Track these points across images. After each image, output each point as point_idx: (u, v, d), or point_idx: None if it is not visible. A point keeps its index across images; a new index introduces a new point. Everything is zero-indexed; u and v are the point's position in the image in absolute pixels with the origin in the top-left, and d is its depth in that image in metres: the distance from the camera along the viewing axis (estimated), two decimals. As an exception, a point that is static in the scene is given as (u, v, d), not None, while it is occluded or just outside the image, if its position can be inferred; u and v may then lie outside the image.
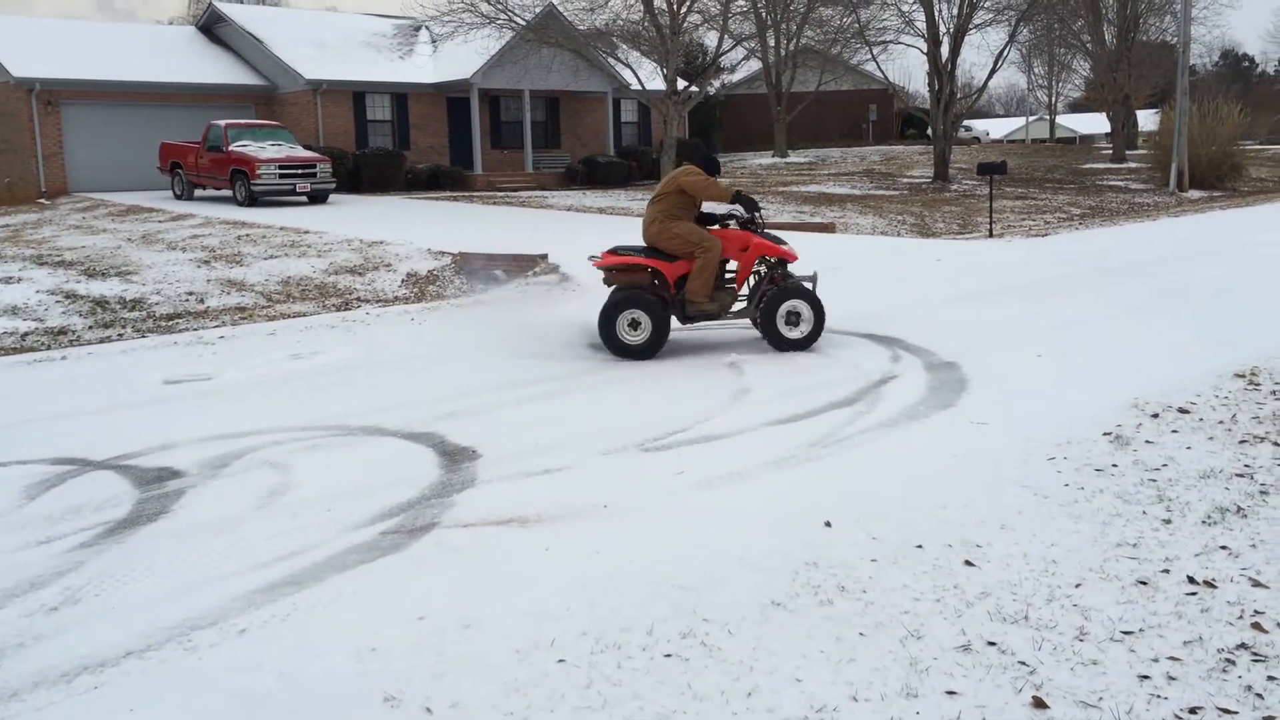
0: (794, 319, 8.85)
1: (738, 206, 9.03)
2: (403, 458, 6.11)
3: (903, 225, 22.21)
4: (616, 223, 20.84)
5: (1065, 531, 4.65)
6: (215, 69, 30.25)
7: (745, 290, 9.23)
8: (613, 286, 8.99)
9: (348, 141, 29.12)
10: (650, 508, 5.12)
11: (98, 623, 3.98)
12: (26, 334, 12.22)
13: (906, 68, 44.56)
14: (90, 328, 12.64)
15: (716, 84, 51.01)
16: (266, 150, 23.51)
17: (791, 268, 9.31)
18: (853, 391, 7.32)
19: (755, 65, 46.81)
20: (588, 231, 19.16)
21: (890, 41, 34.50)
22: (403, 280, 15.33)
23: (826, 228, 19.85)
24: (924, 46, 31.62)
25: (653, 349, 8.75)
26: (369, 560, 4.54)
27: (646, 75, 27.53)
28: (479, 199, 26.08)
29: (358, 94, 29.66)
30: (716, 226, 9.12)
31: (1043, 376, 7.52)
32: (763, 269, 9.13)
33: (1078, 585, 4.12)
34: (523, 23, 26.06)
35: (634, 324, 8.75)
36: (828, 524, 4.80)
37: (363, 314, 12.83)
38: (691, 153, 9.67)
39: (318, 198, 23.79)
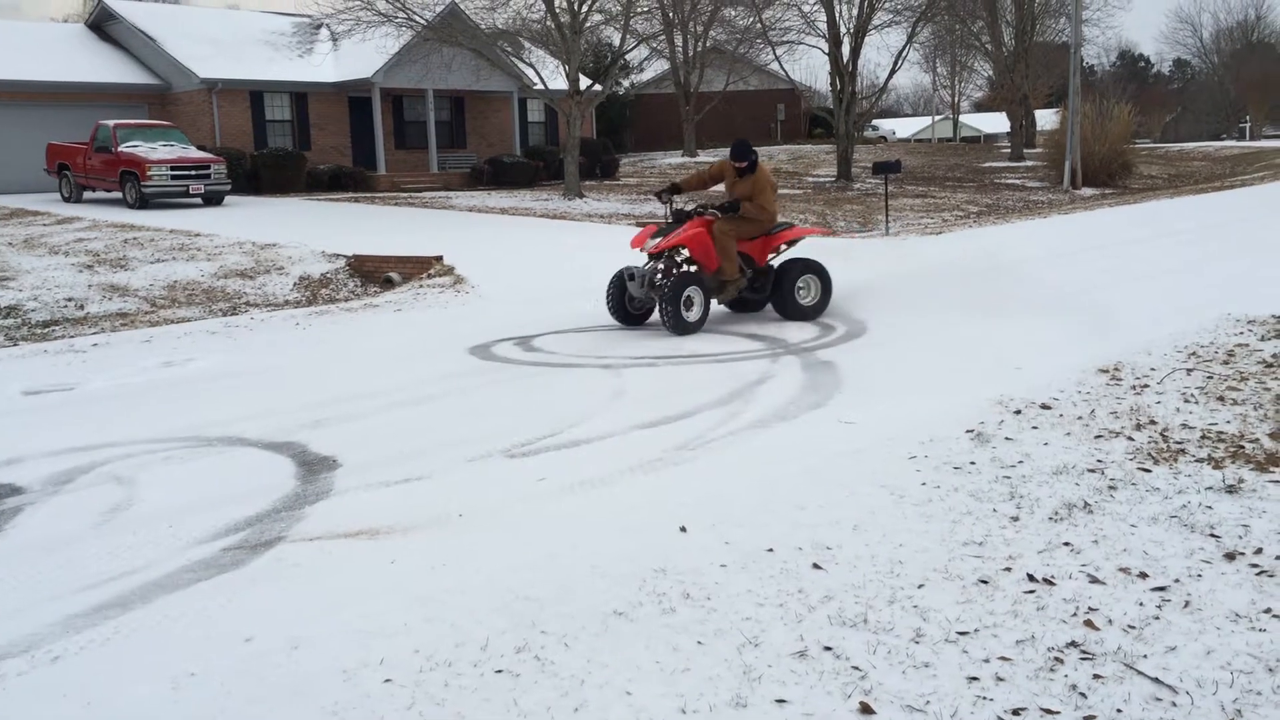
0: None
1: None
2: (259, 469, 5.94)
3: (804, 224, 22.38)
4: (516, 223, 20.69)
5: (915, 532, 4.66)
6: (106, 68, 29.37)
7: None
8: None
9: (246, 142, 28.49)
10: (506, 516, 5.03)
11: (-101, 654, 3.76)
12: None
13: (812, 68, 45.16)
14: (-41, 337, 12.14)
15: (625, 83, 51.04)
16: (158, 151, 22.86)
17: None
18: (727, 392, 7.30)
19: (665, 65, 46.96)
20: (486, 232, 18.99)
21: (793, 42, 34.81)
22: (295, 284, 15.02)
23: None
24: (825, 47, 31.95)
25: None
26: (204, 578, 4.38)
27: (549, 74, 27.38)
28: (381, 200, 25.70)
29: (255, 93, 29.03)
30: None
31: (914, 375, 7.58)
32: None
33: (920, 586, 4.12)
34: (423, 22, 25.70)
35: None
36: (683, 529, 4.74)
37: (248, 319, 12.52)
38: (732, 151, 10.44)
39: (212, 200, 23.20)
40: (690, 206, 10.52)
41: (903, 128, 79.15)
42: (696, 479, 5.48)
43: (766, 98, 52.42)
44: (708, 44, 42.25)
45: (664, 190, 10.40)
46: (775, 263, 10.61)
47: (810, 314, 10.43)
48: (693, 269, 10.04)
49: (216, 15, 33.68)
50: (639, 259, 10.53)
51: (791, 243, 10.68)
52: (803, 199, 26.61)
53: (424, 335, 10.31)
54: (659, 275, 9.90)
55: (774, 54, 35.57)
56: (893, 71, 35.08)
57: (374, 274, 15.27)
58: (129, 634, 3.87)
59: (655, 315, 10.14)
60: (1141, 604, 3.92)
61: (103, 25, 31.23)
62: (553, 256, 15.92)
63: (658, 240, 9.88)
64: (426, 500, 5.28)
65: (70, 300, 13.97)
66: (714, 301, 10.28)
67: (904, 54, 33.38)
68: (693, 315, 9.78)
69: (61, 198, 24.61)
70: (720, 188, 10.79)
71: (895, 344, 8.82)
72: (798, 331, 9.53)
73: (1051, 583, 4.11)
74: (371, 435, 6.56)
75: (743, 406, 6.90)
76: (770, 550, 4.49)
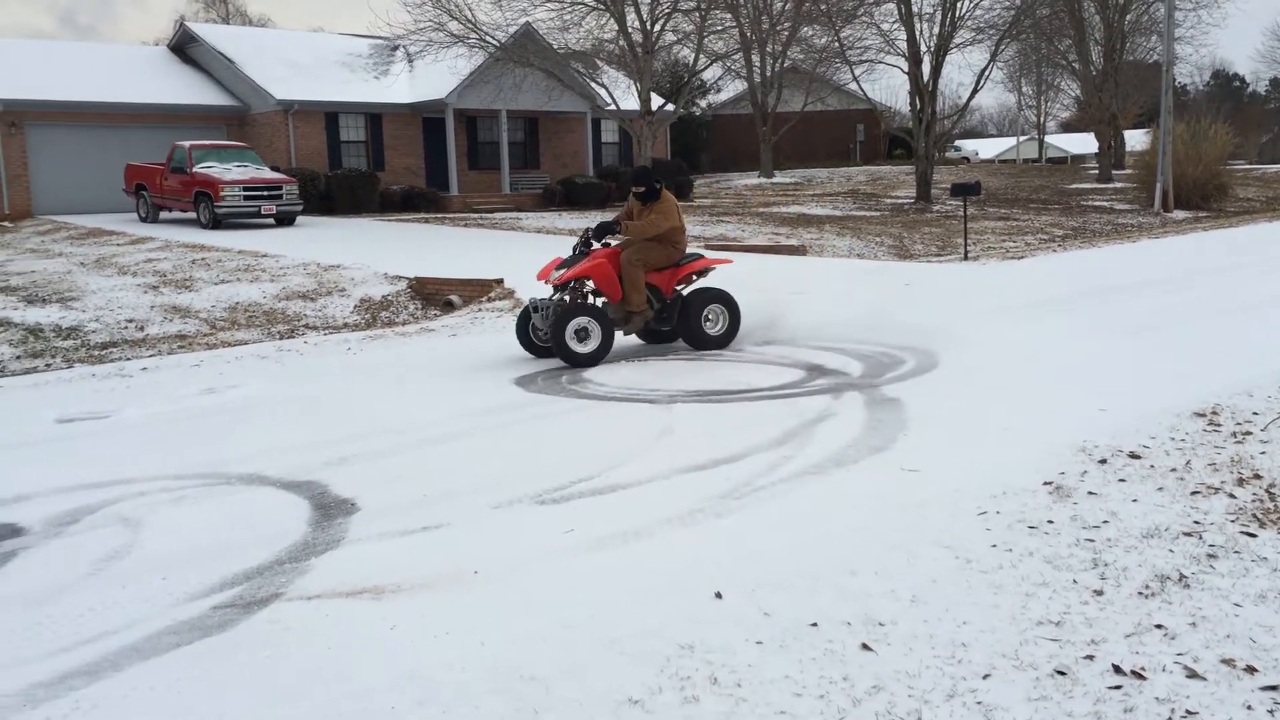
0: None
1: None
2: (272, 511, 5.56)
3: (880, 247, 21.74)
4: (585, 245, 20.35)
5: (982, 606, 4.09)
6: (186, 90, 29.79)
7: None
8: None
9: (321, 163, 28.64)
10: (523, 575, 4.56)
11: None
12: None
13: (892, 87, 44.29)
14: (18, 357, 12.10)
15: (702, 104, 50.72)
16: (231, 172, 23.02)
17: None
18: (782, 432, 6.77)
19: (742, 85, 46.49)
20: (552, 254, 18.64)
21: (872, 61, 34.15)
22: (355, 306, 14.81)
23: (797, 250, 19.34)
24: (905, 66, 31.23)
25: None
26: (186, 643, 3.97)
27: (622, 94, 27.08)
28: (451, 220, 25.59)
29: (330, 114, 29.19)
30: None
31: (988, 416, 6.96)
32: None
33: (986, 676, 3.57)
34: (496, 43, 25.60)
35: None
36: (718, 595, 4.24)
37: (300, 343, 12.28)
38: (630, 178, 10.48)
39: (284, 220, 23.27)
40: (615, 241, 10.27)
41: (986, 148, 77.59)
42: (739, 534, 4.96)
43: (845, 118, 51.70)
44: (785, 63, 41.69)
45: (595, 230, 10.06)
46: (685, 293, 10.38)
47: (719, 344, 10.23)
48: (599, 301, 9.90)
49: (295, 37, 34.03)
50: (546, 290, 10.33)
51: (701, 273, 10.46)
52: (879, 221, 25.91)
53: (472, 363, 9.93)
54: (558, 307, 9.73)
55: (853, 73, 34.91)
56: (975, 91, 34.19)
57: (435, 296, 15.00)
58: (89, 710, 3.48)
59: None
60: (1250, 707, 3.33)
61: (184, 48, 31.73)
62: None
63: (562, 272, 9.70)
64: (442, 553, 4.84)
65: (131, 322, 13.90)
66: (619, 333, 10.01)
67: (987, 73, 32.50)
68: (587, 347, 9.49)
69: (138, 218, 24.90)
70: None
71: (968, 379, 8.21)
72: (860, 365, 8.95)
73: (1141, 676, 3.53)
74: (397, 475, 6.16)
75: (797, 449, 6.36)
76: (814, 625, 3.96)
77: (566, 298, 9.78)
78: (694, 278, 10.44)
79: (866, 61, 34.13)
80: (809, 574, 4.43)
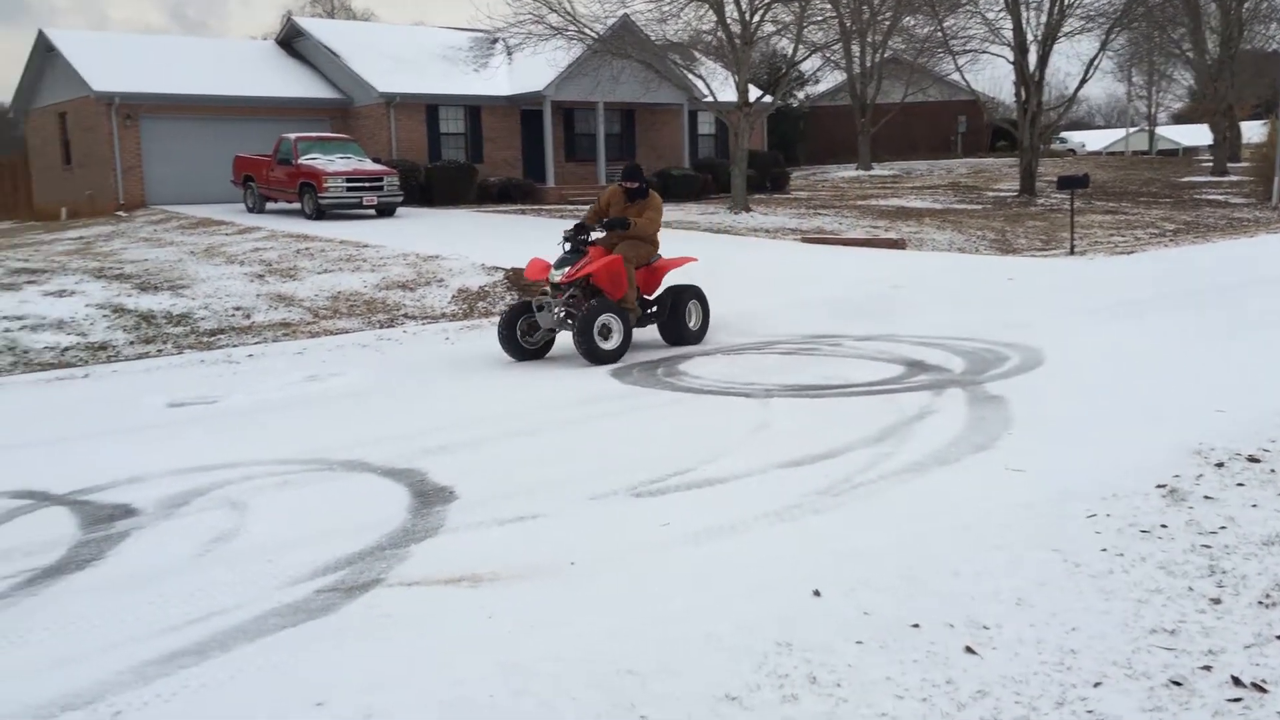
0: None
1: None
2: (374, 498, 5.64)
3: (982, 241, 21.30)
4: (678, 236, 20.30)
5: (1093, 611, 3.96)
6: (293, 83, 30.44)
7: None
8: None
9: (421, 154, 29.04)
10: (620, 567, 4.55)
11: (-37, 697, 3.54)
12: (67, 349, 12.11)
13: (996, 78, 43.18)
14: (131, 343, 12.49)
15: (800, 95, 50.24)
16: (334, 163, 23.45)
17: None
18: (882, 428, 6.65)
19: (841, 76, 45.94)
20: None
21: (976, 51, 33.46)
22: (452, 296, 14.99)
23: (896, 244, 19.04)
24: (1011, 56, 30.53)
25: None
26: (290, 625, 4.05)
27: (719, 86, 26.91)
28: (548, 212, 25.74)
29: (431, 107, 29.58)
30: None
31: (1097, 414, 6.76)
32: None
33: (1097, 684, 3.45)
34: (594, 35, 25.65)
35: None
36: (816, 593, 4.18)
37: (400, 332, 12.47)
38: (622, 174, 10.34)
39: (385, 211, 23.65)
40: (593, 236, 10.14)
41: (1094, 140, 75.43)
42: (838, 531, 4.89)
43: (947, 109, 50.75)
44: (886, 54, 41.06)
45: (573, 232, 9.95)
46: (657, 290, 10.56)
47: (696, 338, 10.45)
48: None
49: (398, 31, 34.54)
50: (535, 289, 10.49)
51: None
52: (981, 215, 25.38)
53: (568, 354, 9.96)
54: (569, 305, 9.67)
55: (955, 64, 34.24)
56: (1083, 81, 33.23)
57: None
58: (198, 689, 3.56)
59: (553, 349, 10.06)
60: (1380, 726, 3.16)
61: (291, 42, 32.43)
62: (711, 272, 15.43)
63: (565, 270, 9.60)
64: (539, 543, 4.86)
65: (238, 309, 14.26)
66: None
67: (1096, 63, 31.60)
68: (611, 344, 9.50)
69: (246, 208, 25.52)
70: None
71: (1075, 377, 7.98)
72: (962, 361, 8.77)
73: (1263, 689, 3.38)
74: (494, 464, 6.20)
75: (897, 446, 6.25)
76: (916, 626, 3.88)
77: (572, 295, 9.67)
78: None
79: (970, 51, 33.48)
80: (910, 574, 4.34)
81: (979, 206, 27.95)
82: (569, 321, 9.58)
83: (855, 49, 41.01)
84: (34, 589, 4.50)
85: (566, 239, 9.87)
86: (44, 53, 30.32)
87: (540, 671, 3.60)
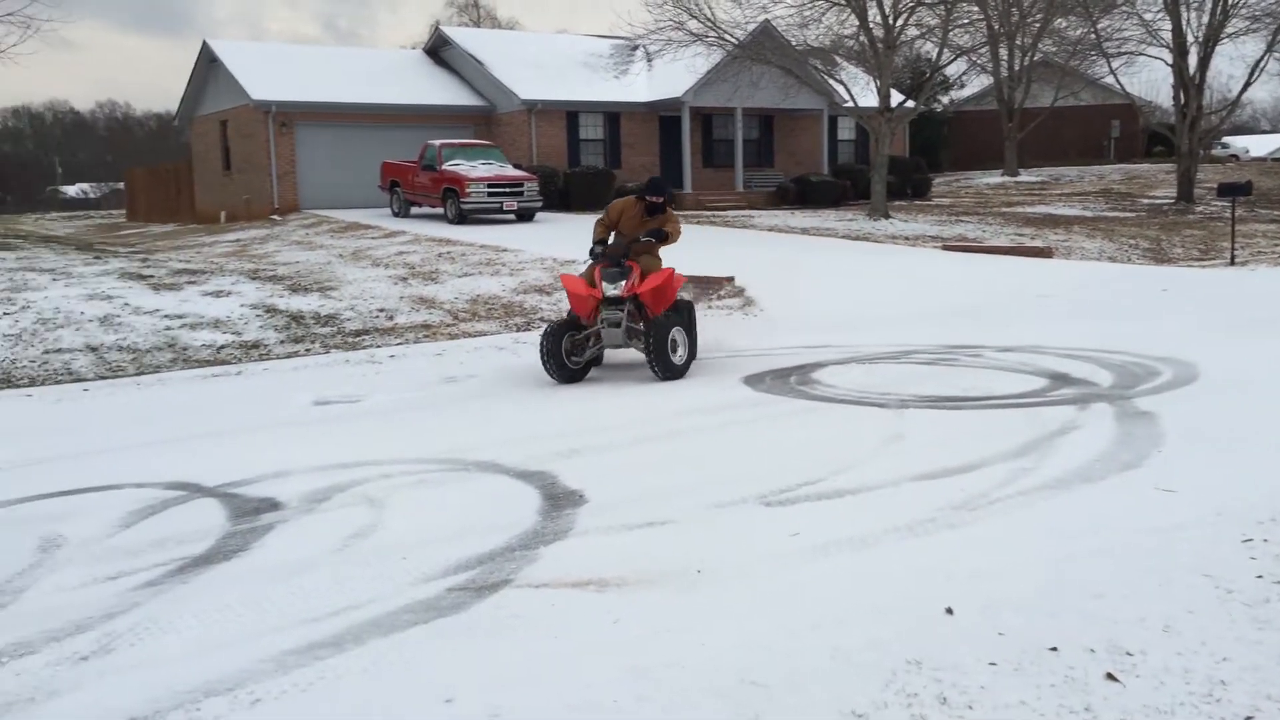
0: None
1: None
2: (506, 499, 5.72)
3: (1134, 250, 20.50)
4: (816, 244, 20.11)
5: (1245, 642, 3.76)
6: (439, 91, 31.25)
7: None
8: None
9: (560, 160, 29.47)
10: (748, 576, 4.51)
11: (116, 679, 3.71)
12: (222, 347, 12.65)
13: (1154, 81, 41.28)
14: (281, 342, 12.98)
15: (944, 100, 49.21)
16: (477, 169, 23.98)
17: None
18: (1022, 443, 6.45)
19: (987, 80, 44.81)
20: (783, 253, 18.52)
21: (1132, 53, 32.21)
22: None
23: (1043, 252, 18.47)
24: (1169, 58, 29.32)
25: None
26: (422, 621, 4.13)
27: (860, 91, 26.58)
28: (684, 218, 25.75)
29: (571, 113, 30.00)
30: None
31: (1254, 433, 6.42)
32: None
33: (1248, 719, 3.27)
34: (734, 41, 25.63)
35: None
36: (949, 611, 4.07)
37: (535, 336, 12.63)
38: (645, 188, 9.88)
39: (524, 216, 24.07)
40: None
41: (1258, 145, 71.78)
42: (972, 548, 4.75)
43: (1099, 113, 49.01)
44: (1035, 57, 39.87)
45: (596, 249, 9.54)
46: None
47: (679, 372, 9.26)
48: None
49: (540, 39, 35.14)
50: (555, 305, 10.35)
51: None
52: (1134, 223, 24.44)
53: (701, 361, 9.95)
54: (628, 319, 9.19)
55: (1109, 66, 33.04)
56: (1247, 84, 31.61)
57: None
58: (333, 680, 3.66)
59: (592, 369, 9.54)
60: None
61: (439, 51, 33.30)
62: (848, 280, 15.24)
63: (622, 284, 9.11)
64: (666, 549, 4.86)
65: (382, 311, 14.68)
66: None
67: (1262, 65, 30.04)
68: (679, 357, 9.16)
69: (392, 213, 26.29)
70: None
71: (1232, 393, 7.60)
72: (1110, 374, 8.44)
73: None
74: (623, 469, 6.23)
75: (1038, 461, 6.05)
76: (1054, 649, 3.74)
77: (630, 309, 9.24)
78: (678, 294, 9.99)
79: (1125, 54, 32.24)
80: (1049, 594, 4.19)
81: (1132, 214, 26.91)
82: (638, 337, 9.17)
83: (1003, 52, 39.92)
84: (185, 577, 4.71)
85: (603, 252, 9.43)
86: (207, 63, 31.83)
87: (664, 678, 3.59)
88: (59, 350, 12.09)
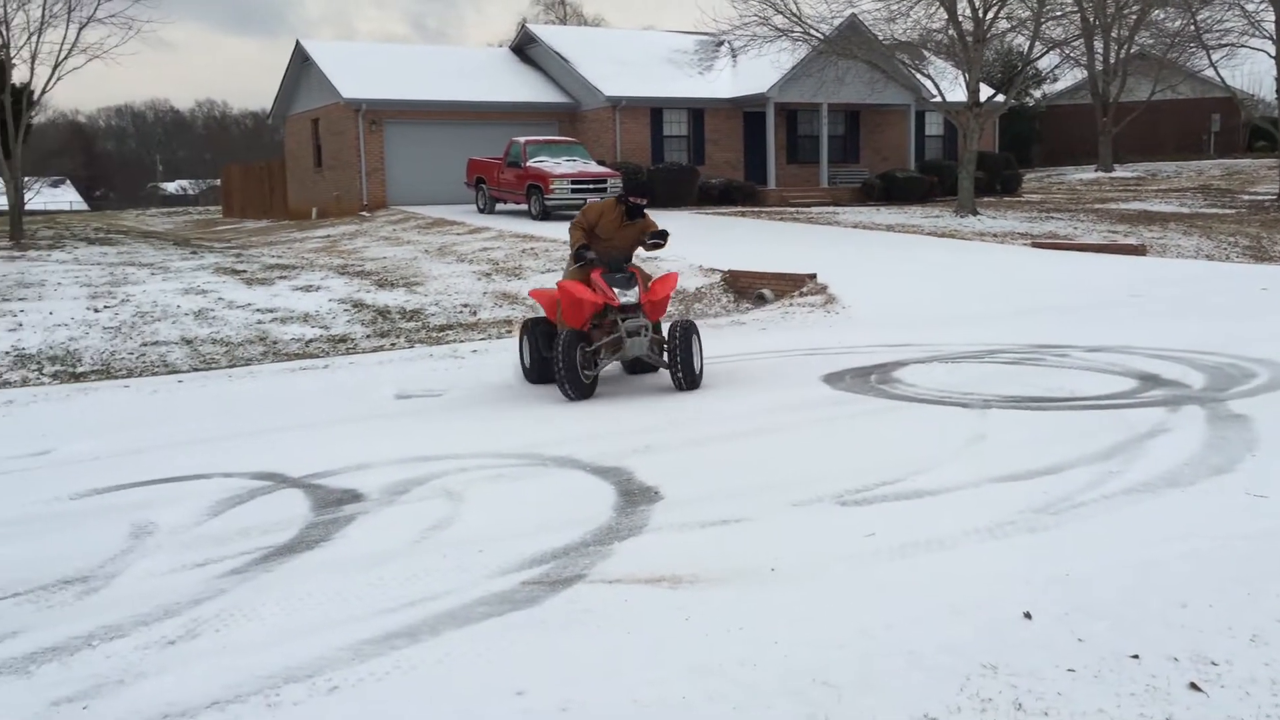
0: None
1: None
2: (581, 495, 5.76)
3: (1234, 248, 19.87)
4: (901, 240, 19.86)
5: (1339, 655, 3.63)
6: (524, 88, 31.53)
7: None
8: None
9: (643, 156, 29.52)
10: (822, 576, 4.48)
11: (201, 664, 3.82)
12: (310, 340, 12.93)
13: (1256, 73, 39.81)
14: (368, 336, 13.23)
15: (1036, 94, 48.25)
16: (561, 165, 24.14)
17: None
18: (1109, 445, 6.30)
19: (1081, 73, 43.81)
20: (868, 250, 18.34)
21: (1233, 45, 31.21)
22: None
23: (1136, 250, 18.01)
24: (1273, 50, 28.36)
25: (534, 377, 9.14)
26: (495, 614, 4.18)
27: (949, 85, 26.16)
28: (768, 214, 25.68)
29: (655, 110, 30.03)
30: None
31: (1357, 440, 6.19)
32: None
33: (1339, 735, 3.16)
34: (820, 36, 25.41)
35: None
36: (1027, 615, 4.00)
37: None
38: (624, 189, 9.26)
39: (607, 212, 24.16)
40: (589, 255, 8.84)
41: (1367, 138, 69.15)
42: (1053, 552, 4.66)
43: (1198, 107, 47.59)
44: (1131, 49, 38.87)
45: (587, 254, 8.71)
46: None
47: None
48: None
49: (625, 36, 35.22)
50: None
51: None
52: (1233, 220, 23.69)
53: (780, 359, 9.91)
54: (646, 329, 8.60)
55: (1209, 59, 32.05)
56: (1355, 75, 30.48)
57: (747, 290, 15.10)
58: (407, 670, 3.73)
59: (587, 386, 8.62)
60: None
61: (524, 49, 33.59)
62: (933, 278, 15.03)
63: (636, 289, 8.55)
64: (740, 547, 4.85)
65: (465, 306, 14.88)
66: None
67: (1371, 54, 28.91)
68: (698, 364, 8.71)
69: (477, 209, 26.59)
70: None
71: (1335, 398, 7.34)
72: (1203, 376, 8.20)
73: None
74: (699, 466, 6.23)
75: (1125, 465, 5.90)
76: (1135, 657, 3.65)
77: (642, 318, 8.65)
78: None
79: (1227, 45, 31.25)
80: (1132, 601, 4.09)
81: (1232, 211, 26.10)
82: (657, 346, 8.68)
83: (1098, 45, 38.99)
84: (269, 565, 4.83)
85: (593, 258, 8.64)
86: (300, 63, 32.51)
87: (735, 677, 3.59)
88: (156, 343, 12.47)
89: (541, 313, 9.60)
